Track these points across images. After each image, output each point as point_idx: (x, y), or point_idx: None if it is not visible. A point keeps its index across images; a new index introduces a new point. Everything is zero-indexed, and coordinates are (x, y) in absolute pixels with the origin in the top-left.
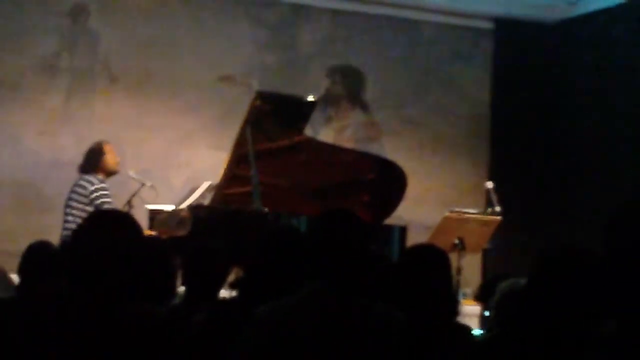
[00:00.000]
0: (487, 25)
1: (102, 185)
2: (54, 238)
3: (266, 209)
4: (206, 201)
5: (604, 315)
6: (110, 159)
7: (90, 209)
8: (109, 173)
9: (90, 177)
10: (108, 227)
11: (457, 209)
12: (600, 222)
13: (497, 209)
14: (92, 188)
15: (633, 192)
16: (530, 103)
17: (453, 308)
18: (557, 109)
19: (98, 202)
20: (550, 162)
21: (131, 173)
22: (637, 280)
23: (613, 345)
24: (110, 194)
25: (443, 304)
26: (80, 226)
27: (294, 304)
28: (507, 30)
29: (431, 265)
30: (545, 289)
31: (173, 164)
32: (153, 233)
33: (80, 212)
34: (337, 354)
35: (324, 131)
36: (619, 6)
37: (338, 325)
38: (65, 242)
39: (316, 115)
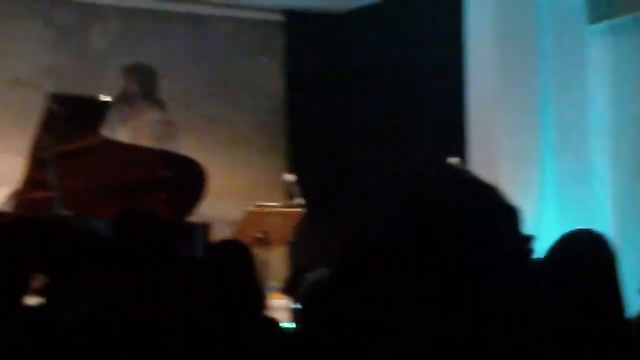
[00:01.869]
0: (278, 18)
1: None
2: None
3: (68, 213)
4: (6, 208)
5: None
6: None
7: None
8: None
9: None
10: None
11: (259, 203)
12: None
13: (299, 201)
14: None
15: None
16: (325, 94)
17: (259, 302)
18: (351, 99)
19: None
20: (347, 152)
21: None
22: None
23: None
24: None
25: (248, 298)
26: None
27: (96, 310)
28: (298, 23)
29: (233, 260)
30: (345, 278)
31: None
32: None
33: None
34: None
35: (121, 131)
36: None
37: (140, 329)
38: None
39: (113, 116)
